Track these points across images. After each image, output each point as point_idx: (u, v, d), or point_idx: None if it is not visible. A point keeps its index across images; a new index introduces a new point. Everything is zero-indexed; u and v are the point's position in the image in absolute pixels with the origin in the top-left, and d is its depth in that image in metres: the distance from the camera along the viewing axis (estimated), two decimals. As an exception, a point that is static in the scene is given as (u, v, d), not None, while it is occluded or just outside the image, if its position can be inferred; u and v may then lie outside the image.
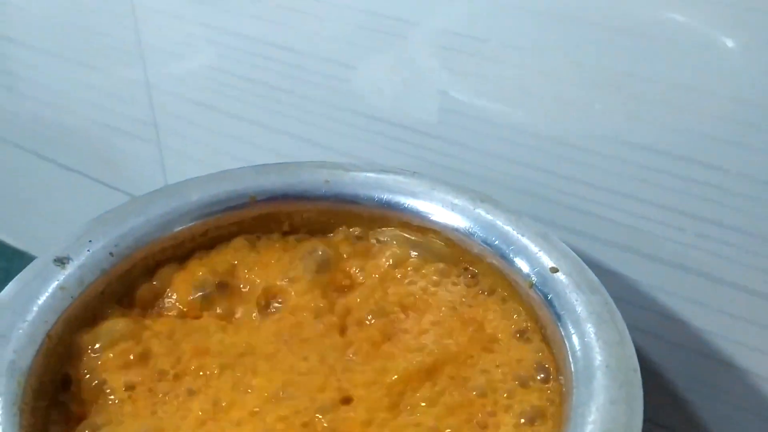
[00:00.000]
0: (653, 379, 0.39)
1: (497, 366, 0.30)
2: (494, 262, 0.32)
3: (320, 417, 0.27)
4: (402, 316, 0.32)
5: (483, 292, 0.33)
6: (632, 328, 0.38)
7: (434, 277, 0.34)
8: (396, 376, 0.29)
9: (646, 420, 0.40)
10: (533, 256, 0.31)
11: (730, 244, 0.33)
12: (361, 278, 0.34)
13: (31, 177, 0.59)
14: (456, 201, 0.34)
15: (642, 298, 0.37)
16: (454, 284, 0.33)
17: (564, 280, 0.30)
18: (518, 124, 0.36)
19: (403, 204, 0.35)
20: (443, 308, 0.32)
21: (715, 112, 0.31)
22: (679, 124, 0.32)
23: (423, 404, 0.28)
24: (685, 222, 0.34)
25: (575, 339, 0.28)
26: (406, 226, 0.35)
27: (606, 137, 0.34)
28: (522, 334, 0.31)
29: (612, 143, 0.34)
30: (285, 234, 0.35)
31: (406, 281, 0.34)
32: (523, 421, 0.27)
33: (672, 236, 0.34)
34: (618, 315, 0.29)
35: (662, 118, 0.32)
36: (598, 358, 0.27)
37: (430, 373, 0.29)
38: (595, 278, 0.30)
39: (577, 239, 0.37)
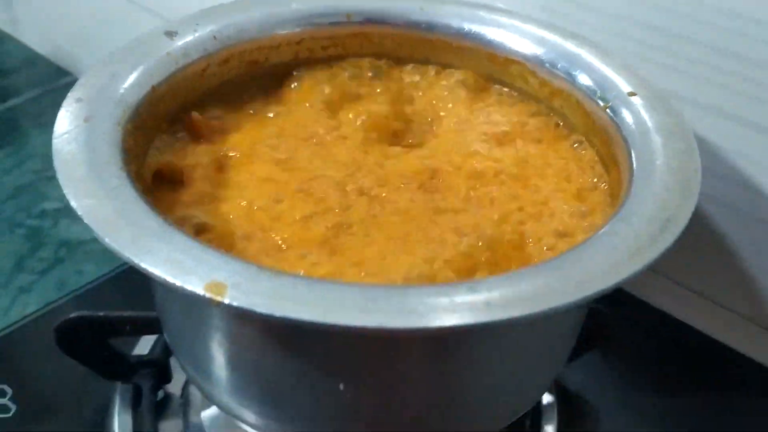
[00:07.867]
0: (725, 253, 0.38)
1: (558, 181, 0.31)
2: (575, 93, 0.33)
3: None
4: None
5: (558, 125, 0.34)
6: (709, 198, 0.38)
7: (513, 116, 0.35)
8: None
9: (705, 296, 0.39)
10: (612, 83, 0.32)
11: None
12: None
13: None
14: (545, 36, 0.35)
15: (724, 166, 0.36)
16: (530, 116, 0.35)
17: (640, 102, 0.30)
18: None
19: (488, 36, 0.36)
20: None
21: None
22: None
23: None
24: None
25: (640, 146, 0.28)
26: (492, 59, 0.36)
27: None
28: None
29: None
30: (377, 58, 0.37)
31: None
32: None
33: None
34: (690, 132, 0.29)
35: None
36: (660, 160, 0.27)
37: None
38: (675, 106, 0.30)
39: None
